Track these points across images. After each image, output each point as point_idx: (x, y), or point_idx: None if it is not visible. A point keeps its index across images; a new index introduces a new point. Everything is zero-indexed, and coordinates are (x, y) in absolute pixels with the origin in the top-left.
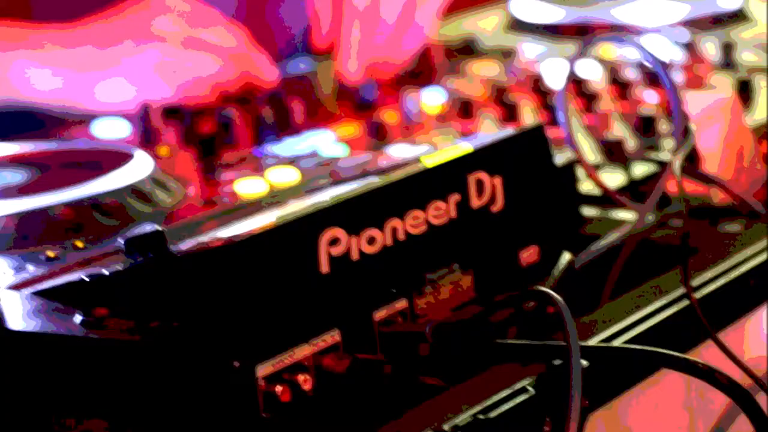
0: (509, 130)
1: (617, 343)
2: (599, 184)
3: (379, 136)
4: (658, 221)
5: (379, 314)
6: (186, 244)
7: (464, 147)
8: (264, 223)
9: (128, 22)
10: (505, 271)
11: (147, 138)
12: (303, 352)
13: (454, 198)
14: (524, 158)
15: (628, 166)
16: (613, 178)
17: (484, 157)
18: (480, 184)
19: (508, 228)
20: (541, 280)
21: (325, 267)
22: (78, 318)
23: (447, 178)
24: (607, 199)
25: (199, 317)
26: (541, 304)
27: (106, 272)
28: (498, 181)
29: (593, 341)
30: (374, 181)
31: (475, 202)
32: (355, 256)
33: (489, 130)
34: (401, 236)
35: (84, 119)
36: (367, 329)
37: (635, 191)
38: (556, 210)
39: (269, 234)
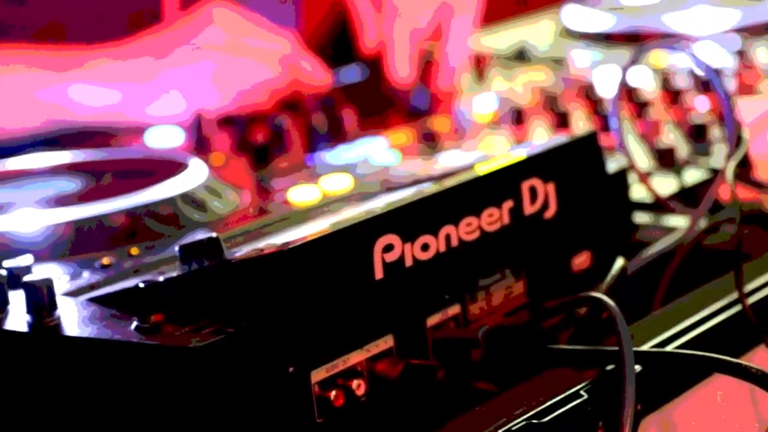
0: (562, 138)
1: (670, 348)
2: (651, 190)
3: (431, 143)
4: (710, 227)
5: (432, 320)
6: (241, 251)
7: (518, 154)
8: (319, 230)
9: (179, 34)
10: (558, 277)
11: (200, 146)
12: (356, 357)
13: (508, 205)
14: (577, 165)
15: (680, 173)
16: (665, 185)
17: (537, 165)
18: (533, 191)
19: (560, 234)
20: (593, 286)
21: (379, 273)
22: (134, 324)
23: (501, 185)
24: (658, 205)
25: (255, 323)
26: (594, 310)
27: (161, 279)
28: (551, 187)
29: (646, 346)
30: (428, 187)
31: (529, 209)
32: (408, 262)
33: (540, 138)
34: (455, 242)
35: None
36: (419, 335)
37: (687, 197)
38: (609, 216)
39: (324, 240)
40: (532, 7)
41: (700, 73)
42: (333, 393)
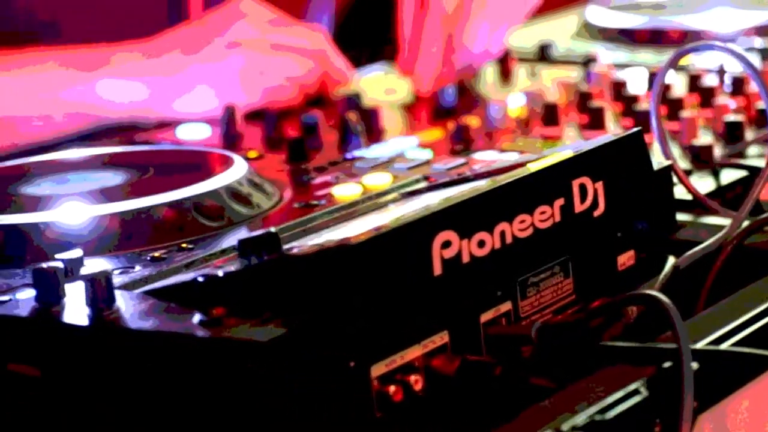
0: (610, 136)
1: (724, 346)
2: (691, 189)
3: (463, 140)
4: (753, 226)
5: (486, 316)
6: (299, 246)
7: (567, 152)
8: (379, 226)
9: (208, 29)
10: (604, 274)
11: (230, 142)
12: (414, 353)
13: (559, 202)
14: (624, 163)
15: (716, 172)
16: (702, 184)
17: (587, 162)
18: (583, 188)
19: (607, 232)
20: (637, 284)
21: (437, 269)
22: (197, 318)
23: (553, 182)
24: (696, 204)
25: (317, 318)
26: (649, 308)
27: (220, 273)
28: (600, 185)
29: (700, 344)
30: (482, 185)
31: (579, 206)
32: (466, 258)
33: (573, 136)
34: (509, 239)
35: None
36: (473, 331)
37: (722, 196)
38: (654, 214)
39: (386, 236)
40: (554, 5)
41: (731, 72)
42: (392, 388)
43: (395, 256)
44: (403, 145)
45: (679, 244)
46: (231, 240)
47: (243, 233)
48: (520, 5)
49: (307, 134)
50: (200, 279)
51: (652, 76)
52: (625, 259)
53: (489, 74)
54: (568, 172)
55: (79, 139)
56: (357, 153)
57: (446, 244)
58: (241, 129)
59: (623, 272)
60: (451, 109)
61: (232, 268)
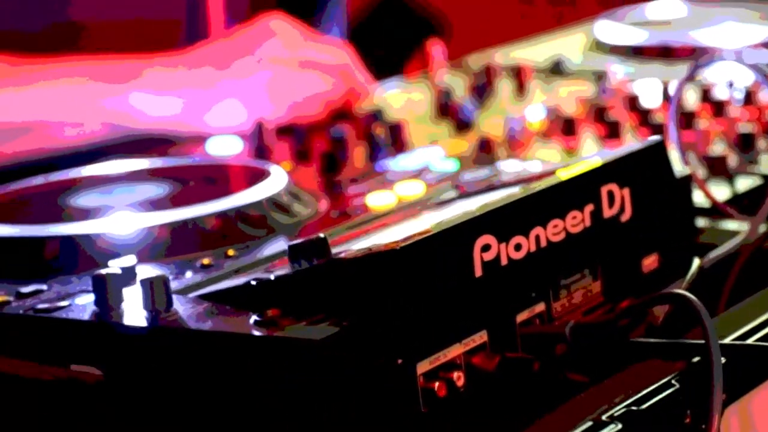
0: (635, 145)
1: (749, 341)
2: (709, 196)
3: (486, 151)
4: None
5: (521, 316)
6: (347, 250)
7: (595, 161)
8: (423, 231)
9: (238, 44)
10: (629, 277)
11: (260, 155)
12: (455, 351)
13: (589, 208)
14: (649, 171)
15: (732, 181)
16: (719, 192)
17: (614, 170)
18: (611, 195)
19: (634, 236)
20: (660, 286)
21: (478, 271)
22: (253, 318)
23: (583, 189)
24: (714, 210)
25: (365, 318)
26: (678, 306)
27: (272, 277)
28: (627, 192)
29: (727, 339)
30: (517, 191)
31: (607, 212)
32: (504, 261)
33: (591, 147)
34: (543, 243)
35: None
36: (510, 330)
37: (739, 204)
38: (676, 220)
39: (430, 240)
40: (563, 21)
41: (742, 84)
42: (436, 384)
43: (439, 258)
44: (429, 155)
45: (699, 248)
46: (274, 247)
47: (285, 241)
48: None
49: (335, 147)
50: (253, 283)
51: (665, 89)
52: (650, 262)
53: (504, 88)
54: (597, 180)
55: (111, 148)
56: (385, 164)
57: (486, 248)
58: (272, 143)
59: (648, 275)
60: (470, 123)
61: (283, 272)
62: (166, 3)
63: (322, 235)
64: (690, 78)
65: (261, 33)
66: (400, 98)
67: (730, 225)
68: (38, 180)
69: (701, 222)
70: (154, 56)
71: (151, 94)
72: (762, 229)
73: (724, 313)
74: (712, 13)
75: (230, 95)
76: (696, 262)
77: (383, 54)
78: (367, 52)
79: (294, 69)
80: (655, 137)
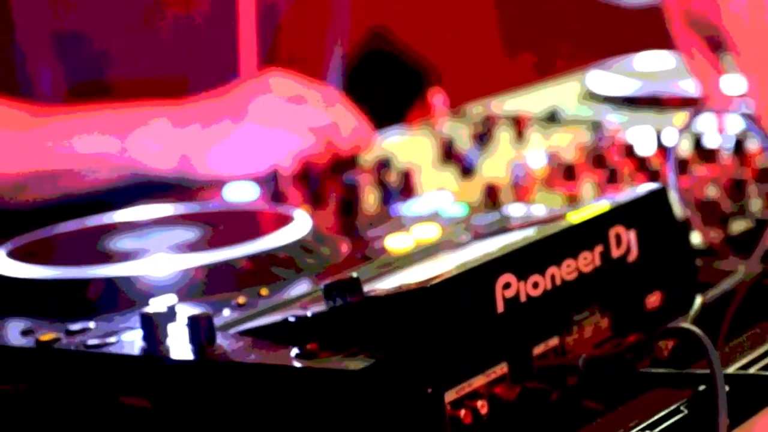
0: (639, 191)
1: (751, 370)
2: (706, 238)
3: (492, 196)
4: (764, 270)
5: (537, 349)
6: (378, 289)
7: (603, 205)
8: (449, 270)
9: (234, 100)
10: (634, 314)
11: (275, 201)
12: (479, 381)
13: (599, 249)
14: (652, 214)
15: (726, 223)
16: (715, 234)
17: (621, 214)
18: (618, 237)
19: (639, 276)
20: (661, 322)
21: (500, 307)
22: (294, 352)
23: (593, 231)
24: (710, 251)
25: (397, 351)
26: (684, 339)
27: (309, 314)
28: (632, 234)
29: (731, 369)
30: (533, 233)
31: (615, 253)
32: (523, 298)
33: (591, 193)
34: (558, 281)
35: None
36: (527, 362)
37: (733, 245)
38: (677, 260)
39: (456, 279)
40: (556, 71)
41: (731, 133)
42: (462, 412)
43: (464, 296)
44: (438, 201)
45: (698, 287)
46: (302, 287)
47: (311, 281)
48: None
49: (348, 193)
50: (291, 319)
51: (658, 136)
52: (653, 300)
53: (504, 136)
54: (605, 223)
55: (125, 191)
56: (398, 209)
57: (507, 286)
58: (287, 188)
59: (651, 312)
60: (474, 169)
61: (319, 309)
62: (172, 60)
63: (354, 274)
64: (686, 128)
65: (259, 88)
66: (404, 146)
67: (726, 265)
68: (74, 225)
69: (699, 262)
70: (162, 105)
71: (153, 141)
72: (757, 268)
73: (726, 345)
74: None
75: (227, 145)
76: (699, 299)
77: (377, 103)
78: (361, 101)
79: (283, 125)
80: (658, 184)
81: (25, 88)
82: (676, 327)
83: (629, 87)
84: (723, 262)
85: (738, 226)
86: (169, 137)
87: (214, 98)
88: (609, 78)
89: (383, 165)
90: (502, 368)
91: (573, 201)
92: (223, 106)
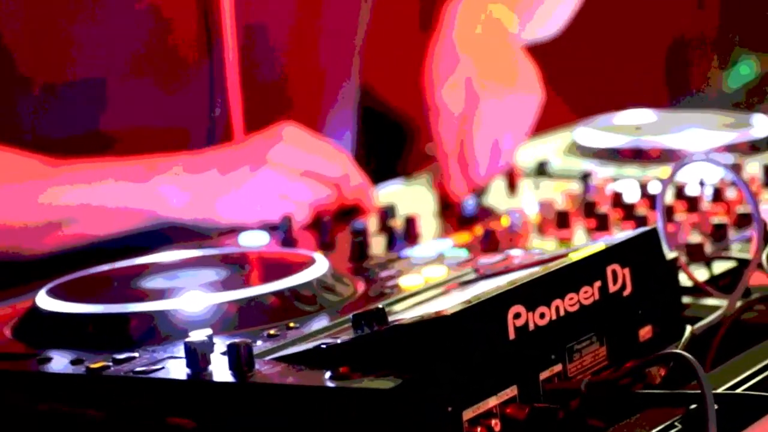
0: (632, 232)
1: (738, 391)
2: (691, 277)
3: (491, 242)
4: (746, 305)
5: (543, 374)
6: (401, 319)
7: (600, 245)
8: (465, 301)
9: (248, 149)
10: (628, 344)
11: (288, 246)
12: (492, 401)
13: (597, 284)
14: (644, 254)
15: (709, 264)
16: (699, 274)
17: (617, 253)
18: (614, 273)
19: (633, 309)
20: (653, 352)
21: (511, 335)
22: (327, 375)
23: (592, 268)
24: (696, 289)
25: (420, 374)
26: (677, 364)
27: (339, 341)
28: (627, 271)
29: (720, 390)
30: (538, 270)
31: (612, 288)
32: (531, 327)
33: (583, 239)
34: (562, 312)
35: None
36: (534, 386)
37: (716, 283)
38: (667, 295)
39: (472, 309)
40: (545, 126)
41: (711, 182)
42: (478, 429)
43: (480, 324)
44: (441, 246)
45: (684, 321)
46: (325, 321)
47: (331, 317)
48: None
49: (357, 238)
50: (323, 346)
51: (643, 186)
52: (645, 332)
53: (497, 187)
54: (603, 261)
55: (138, 237)
56: (405, 253)
57: (517, 315)
58: (299, 235)
59: (643, 343)
60: (472, 217)
61: (348, 337)
62: (186, 112)
63: (380, 305)
64: (672, 177)
65: (272, 139)
66: (404, 195)
67: (710, 301)
68: (109, 266)
69: (685, 299)
70: (177, 154)
71: (171, 188)
72: (738, 303)
73: (712, 370)
74: (678, 119)
75: (240, 194)
76: (688, 329)
77: (370, 157)
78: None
79: (295, 175)
80: (649, 226)
81: (32, 138)
82: (670, 352)
83: (613, 141)
84: (707, 299)
85: (721, 266)
86: (188, 184)
87: (230, 147)
88: (594, 133)
89: (387, 212)
90: (512, 390)
91: (566, 246)
92: (240, 155)
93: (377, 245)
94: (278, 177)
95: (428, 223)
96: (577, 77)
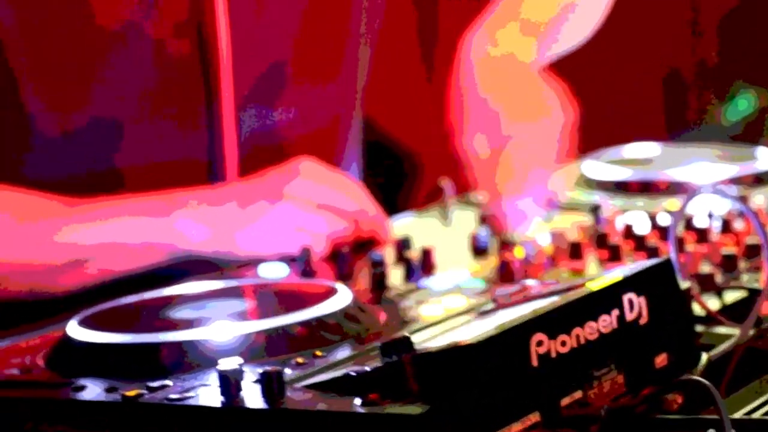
0: (647, 262)
1: (755, 416)
2: (704, 307)
3: (506, 272)
4: (758, 333)
5: (564, 401)
6: (427, 347)
7: (617, 275)
8: (491, 329)
9: (266, 183)
10: (645, 372)
11: (308, 277)
12: (516, 427)
13: (615, 313)
14: (660, 283)
15: (720, 294)
16: (711, 303)
17: (633, 282)
18: (631, 302)
19: (649, 338)
20: (668, 379)
21: (534, 362)
22: (358, 401)
23: (610, 297)
24: (708, 318)
25: (447, 399)
26: (694, 389)
27: (368, 368)
28: (643, 300)
29: (737, 415)
30: (558, 299)
31: (629, 316)
32: (553, 354)
33: (596, 270)
34: (582, 341)
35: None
36: (556, 412)
37: (728, 313)
38: (681, 325)
39: (497, 337)
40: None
41: (719, 214)
42: None
43: (504, 351)
44: (457, 276)
45: (698, 349)
46: (350, 350)
47: (354, 346)
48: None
49: (376, 269)
50: (352, 374)
51: (653, 218)
52: (661, 359)
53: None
54: (621, 290)
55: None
56: (423, 284)
57: (539, 343)
58: (318, 267)
59: (658, 370)
60: (485, 249)
61: (376, 364)
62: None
63: (406, 333)
64: (683, 209)
65: (289, 173)
66: (417, 227)
67: (721, 330)
68: (136, 297)
69: (698, 328)
70: (195, 188)
71: (191, 222)
72: (750, 332)
73: (727, 397)
74: (683, 153)
75: (258, 227)
76: (705, 356)
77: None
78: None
79: (313, 208)
80: (663, 257)
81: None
82: (688, 378)
83: (621, 174)
84: (719, 328)
85: (732, 296)
86: (206, 218)
87: (247, 181)
88: (602, 166)
89: (404, 244)
90: (535, 416)
91: (579, 277)
92: (258, 188)
93: (394, 276)
94: (295, 210)
95: (443, 255)
96: (577, 113)
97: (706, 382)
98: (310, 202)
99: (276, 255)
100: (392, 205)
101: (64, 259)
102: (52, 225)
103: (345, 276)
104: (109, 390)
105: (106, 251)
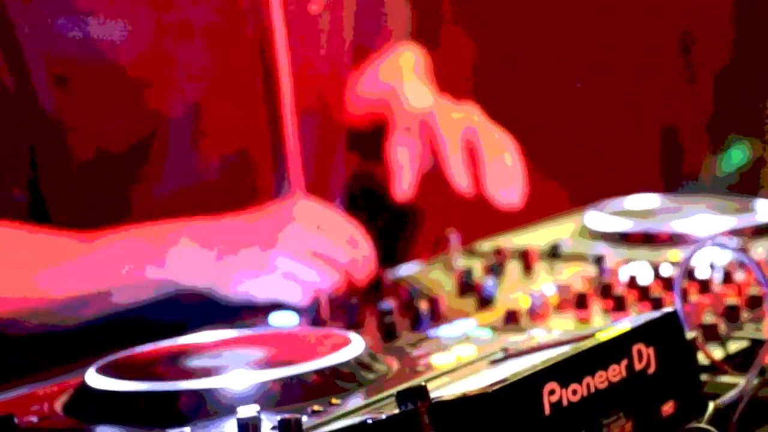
0: (654, 313)
1: None
2: (709, 356)
3: (512, 321)
4: (762, 383)
5: None
6: (440, 396)
7: (625, 326)
8: (504, 379)
9: (262, 225)
10: (652, 420)
11: (318, 326)
12: None
13: (624, 362)
14: (667, 333)
15: (724, 344)
16: (715, 352)
17: (642, 333)
18: (640, 352)
19: (656, 386)
20: (674, 426)
21: (547, 410)
22: None
23: (620, 347)
24: (712, 367)
25: None
26: None
27: (384, 416)
28: (651, 350)
29: None
30: (569, 349)
31: (638, 366)
32: (565, 403)
33: (601, 320)
34: (592, 389)
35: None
36: None
37: (732, 362)
38: (687, 374)
39: (511, 386)
40: (555, 211)
41: (720, 265)
42: None
43: (518, 400)
44: (465, 325)
45: (704, 397)
46: (363, 398)
47: (366, 395)
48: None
49: (386, 318)
50: (369, 421)
51: (655, 269)
52: (667, 408)
53: (514, 269)
54: (630, 340)
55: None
56: (432, 332)
57: (552, 392)
58: (327, 316)
59: (666, 419)
60: (491, 298)
61: (393, 412)
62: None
63: (422, 382)
64: (688, 260)
65: (282, 218)
66: (423, 278)
67: (726, 379)
68: (152, 345)
69: (703, 377)
70: (193, 220)
71: (186, 258)
72: (755, 381)
73: None
74: (683, 204)
75: (249, 269)
76: (711, 404)
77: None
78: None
79: (305, 258)
80: (669, 308)
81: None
82: (695, 427)
83: (623, 225)
84: (723, 377)
85: (735, 345)
86: (201, 256)
87: (242, 218)
88: (604, 217)
89: (411, 293)
90: None
91: (585, 326)
92: (251, 231)
93: (402, 325)
94: (293, 258)
95: (449, 304)
96: (575, 164)
97: (714, 429)
98: (304, 251)
99: (267, 300)
100: (400, 256)
101: (78, 294)
102: (68, 262)
103: (355, 325)
104: None
105: (113, 286)
